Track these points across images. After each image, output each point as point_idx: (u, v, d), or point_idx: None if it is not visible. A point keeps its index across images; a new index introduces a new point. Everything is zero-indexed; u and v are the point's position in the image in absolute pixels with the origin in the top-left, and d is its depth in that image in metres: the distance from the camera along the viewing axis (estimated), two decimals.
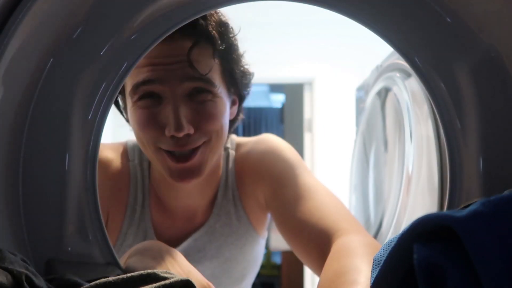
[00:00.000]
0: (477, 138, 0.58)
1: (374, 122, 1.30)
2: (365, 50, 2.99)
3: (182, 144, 0.70)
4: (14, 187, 0.56)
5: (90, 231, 0.60)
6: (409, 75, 1.04)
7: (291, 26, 3.21)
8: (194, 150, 0.71)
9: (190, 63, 0.68)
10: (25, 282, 0.41)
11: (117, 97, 0.79)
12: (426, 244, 0.30)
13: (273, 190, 0.80)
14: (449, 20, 0.57)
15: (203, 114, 0.70)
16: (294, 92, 3.96)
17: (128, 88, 0.72)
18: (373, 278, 0.36)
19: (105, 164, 0.81)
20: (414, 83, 0.99)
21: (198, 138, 0.71)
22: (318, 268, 0.65)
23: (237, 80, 0.77)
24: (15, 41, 0.52)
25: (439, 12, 0.57)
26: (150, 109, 0.70)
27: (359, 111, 1.57)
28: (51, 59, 0.56)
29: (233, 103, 0.80)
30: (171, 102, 0.69)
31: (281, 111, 5.43)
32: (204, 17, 0.69)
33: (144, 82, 0.69)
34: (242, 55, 0.78)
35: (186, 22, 0.60)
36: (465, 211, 0.29)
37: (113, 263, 0.61)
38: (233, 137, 0.90)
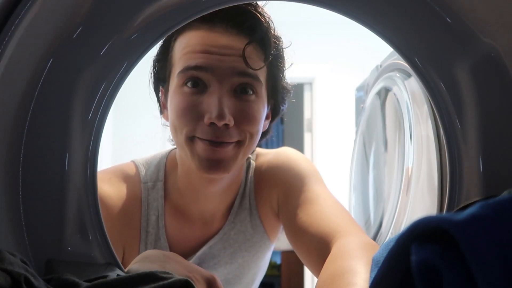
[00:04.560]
0: (477, 138, 0.58)
1: (374, 122, 1.30)
2: (365, 50, 2.99)
3: (218, 134, 0.70)
4: (14, 187, 0.56)
5: (90, 231, 0.60)
6: (409, 75, 1.04)
7: (291, 26, 3.20)
8: (228, 143, 0.72)
9: (244, 57, 0.69)
10: (24, 284, 0.41)
11: (159, 87, 0.81)
12: (424, 246, 0.30)
13: (285, 197, 0.82)
14: (449, 20, 0.57)
15: (244, 113, 0.72)
16: (294, 92, 3.95)
17: (176, 71, 0.72)
18: (372, 278, 0.36)
19: (106, 201, 0.78)
20: (414, 83, 0.99)
21: (234, 134, 0.71)
22: (318, 269, 0.65)
23: (278, 92, 0.80)
24: (15, 41, 0.52)
25: (439, 12, 0.57)
26: (193, 96, 0.71)
27: (359, 111, 1.57)
28: (51, 59, 0.56)
29: (266, 117, 0.81)
30: (216, 92, 0.69)
31: None
32: (262, 22, 0.72)
33: (196, 67, 0.70)
34: (285, 71, 0.81)
35: (186, 22, 0.60)
36: (463, 215, 0.28)
37: (113, 263, 0.61)
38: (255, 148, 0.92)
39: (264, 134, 0.84)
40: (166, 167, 0.85)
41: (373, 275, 0.37)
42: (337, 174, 3.21)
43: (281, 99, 0.83)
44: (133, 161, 0.87)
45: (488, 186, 0.58)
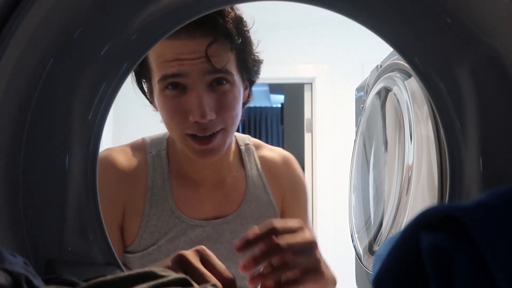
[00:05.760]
0: (477, 138, 0.58)
1: (374, 122, 1.30)
2: (365, 50, 2.99)
3: (204, 128, 0.80)
4: (14, 187, 0.56)
5: (90, 231, 0.60)
6: (409, 75, 1.04)
7: (291, 26, 3.21)
8: (214, 134, 0.82)
9: (208, 58, 0.77)
10: (24, 283, 0.41)
11: (141, 81, 0.90)
12: (434, 233, 0.30)
13: (290, 197, 0.98)
14: (449, 20, 0.57)
15: (223, 104, 0.81)
16: (294, 92, 3.96)
17: (156, 77, 0.81)
18: (374, 273, 0.35)
19: (113, 164, 0.90)
20: (414, 83, 0.99)
21: (217, 123, 0.81)
22: None
23: (249, 68, 0.88)
24: (15, 41, 0.52)
25: (439, 12, 0.57)
26: (176, 98, 0.80)
27: (359, 111, 1.57)
28: (51, 59, 0.56)
29: (245, 88, 0.91)
30: (195, 92, 0.78)
31: (281, 111, 5.43)
32: (222, 14, 0.78)
33: (172, 75, 0.79)
34: (254, 45, 0.88)
35: (186, 23, 0.60)
36: (471, 202, 0.29)
37: (113, 263, 0.61)
38: (248, 136, 1.03)
39: (245, 103, 0.93)
40: (168, 139, 0.95)
41: (375, 270, 0.37)
42: (337, 174, 3.21)
43: (254, 71, 0.91)
44: (142, 138, 0.99)
45: (488, 186, 0.58)
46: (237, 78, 0.84)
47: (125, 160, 0.91)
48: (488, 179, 0.58)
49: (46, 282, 0.47)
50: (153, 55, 0.80)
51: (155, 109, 0.90)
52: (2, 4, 0.51)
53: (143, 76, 0.88)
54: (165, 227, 0.88)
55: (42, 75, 0.56)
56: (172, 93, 0.80)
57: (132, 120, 3.20)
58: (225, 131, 0.84)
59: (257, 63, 0.90)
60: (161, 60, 0.79)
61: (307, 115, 3.41)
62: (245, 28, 0.84)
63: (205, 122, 0.79)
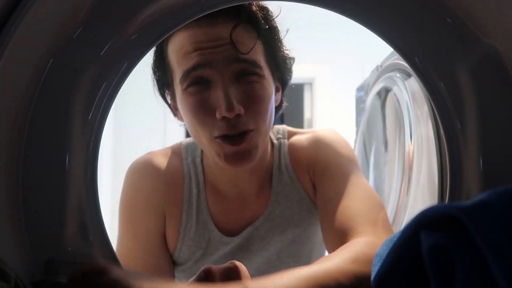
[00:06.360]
0: (477, 138, 0.58)
1: (374, 122, 1.31)
2: (365, 50, 2.99)
3: (233, 124, 0.71)
4: (14, 187, 0.56)
5: (90, 231, 0.60)
6: (409, 75, 1.04)
7: (291, 26, 3.20)
8: (246, 133, 0.72)
9: (232, 43, 0.69)
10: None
11: (165, 92, 0.82)
12: (434, 233, 0.30)
13: (322, 178, 0.82)
14: (449, 20, 0.57)
15: (251, 95, 0.72)
16: (294, 92, 3.96)
17: (177, 76, 0.73)
18: (375, 273, 0.35)
19: (156, 169, 0.86)
20: (414, 83, 0.99)
21: (248, 120, 0.72)
22: None
23: (280, 64, 0.79)
24: (15, 41, 0.52)
25: (439, 12, 0.57)
26: (200, 94, 0.72)
27: (359, 111, 1.57)
28: (51, 59, 0.56)
29: (276, 90, 0.82)
30: (220, 85, 0.70)
31: None
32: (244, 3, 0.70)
33: (194, 67, 0.70)
34: (283, 40, 0.80)
35: (186, 23, 0.60)
36: (470, 202, 0.29)
37: (113, 263, 0.61)
38: (285, 127, 0.92)
39: (278, 108, 0.84)
40: None
41: (375, 270, 0.37)
42: None
43: (285, 69, 0.82)
44: (180, 142, 0.92)
45: (488, 186, 0.58)
46: (266, 73, 0.75)
47: (166, 165, 0.86)
48: (488, 179, 0.58)
49: (39, 285, 0.47)
50: (173, 51, 0.73)
51: (181, 122, 0.81)
52: (2, 4, 0.51)
53: (165, 83, 0.80)
54: (201, 240, 0.84)
55: (42, 75, 0.56)
56: (195, 89, 0.72)
57: (132, 120, 3.20)
58: (257, 131, 0.74)
59: (287, 59, 0.82)
60: (182, 53, 0.71)
61: (307, 115, 3.42)
62: (271, 17, 0.76)
63: (233, 118, 0.70)
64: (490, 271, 0.26)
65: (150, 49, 0.61)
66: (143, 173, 0.86)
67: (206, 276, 0.52)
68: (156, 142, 3.13)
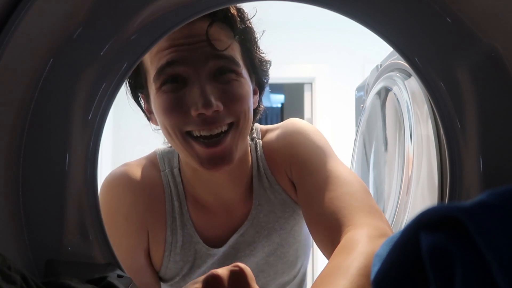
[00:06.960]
0: (477, 138, 0.58)
1: (374, 122, 1.31)
2: (365, 50, 2.99)
3: (210, 122, 0.67)
4: (14, 187, 0.56)
5: (90, 231, 0.60)
6: (409, 75, 1.04)
7: (291, 26, 3.21)
8: (223, 134, 0.69)
9: (208, 40, 0.67)
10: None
11: (138, 95, 0.79)
12: (433, 233, 0.30)
13: (300, 175, 0.78)
14: (449, 20, 0.57)
15: (229, 94, 0.69)
16: (294, 92, 3.96)
17: (151, 74, 0.70)
18: (374, 273, 0.35)
19: (135, 183, 0.81)
20: (414, 83, 0.99)
21: (226, 117, 0.69)
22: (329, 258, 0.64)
23: (256, 66, 0.77)
24: (15, 41, 0.52)
25: (439, 12, 0.57)
26: (174, 93, 0.69)
27: (359, 111, 1.57)
28: (51, 59, 0.56)
29: (254, 93, 0.79)
30: (197, 82, 0.67)
31: (281, 111, 5.43)
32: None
33: (168, 64, 0.68)
34: (258, 42, 0.79)
35: (186, 22, 0.60)
36: (470, 202, 0.29)
37: (113, 263, 0.61)
38: (257, 125, 0.88)
39: (256, 110, 0.82)
40: (179, 156, 0.84)
41: (375, 270, 0.37)
42: None
43: (262, 71, 0.80)
44: (154, 151, 0.88)
45: (488, 186, 0.58)
46: (244, 72, 0.73)
47: (144, 177, 0.82)
48: (488, 179, 0.58)
49: (46, 285, 0.47)
50: (148, 53, 0.70)
51: (155, 125, 0.77)
52: (2, 4, 0.51)
53: (138, 85, 0.77)
54: (187, 254, 0.81)
55: (42, 75, 0.56)
56: (169, 87, 0.69)
57: (132, 120, 3.20)
58: (236, 129, 0.70)
59: (263, 62, 0.80)
60: (156, 51, 0.68)
61: (307, 115, 3.41)
62: (246, 15, 0.75)
63: (210, 115, 0.66)
64: (490, 271, 0.26)
65: (150, 49, 0.61)
66: (121, 187, 0.81)
67: (214, 282, 0.49)
68: (156, 142, 3.12)
